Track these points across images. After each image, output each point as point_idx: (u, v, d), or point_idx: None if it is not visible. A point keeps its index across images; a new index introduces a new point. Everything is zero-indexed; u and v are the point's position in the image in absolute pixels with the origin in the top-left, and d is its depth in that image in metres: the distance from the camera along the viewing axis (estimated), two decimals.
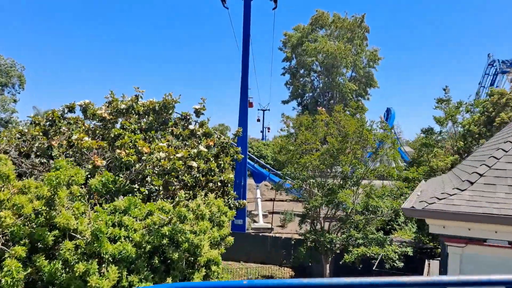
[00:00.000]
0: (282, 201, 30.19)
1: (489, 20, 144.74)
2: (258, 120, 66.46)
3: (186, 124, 10.28)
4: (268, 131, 72.61)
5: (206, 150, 8.52)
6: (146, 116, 9.78)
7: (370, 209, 12.23)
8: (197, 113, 10.77)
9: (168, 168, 7.79)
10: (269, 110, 63.15)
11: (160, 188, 9.23)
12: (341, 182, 13.33)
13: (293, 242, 18.06)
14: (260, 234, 19.75)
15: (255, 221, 24.48)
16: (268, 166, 27.62)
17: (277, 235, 23.18)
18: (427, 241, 14.10)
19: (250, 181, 28.57)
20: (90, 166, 7.82)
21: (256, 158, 34.25)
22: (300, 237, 16.47)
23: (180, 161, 7.87)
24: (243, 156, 12.31)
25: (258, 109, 66.65)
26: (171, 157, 7.89)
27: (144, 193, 8.77)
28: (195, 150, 8.54)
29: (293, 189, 15.36)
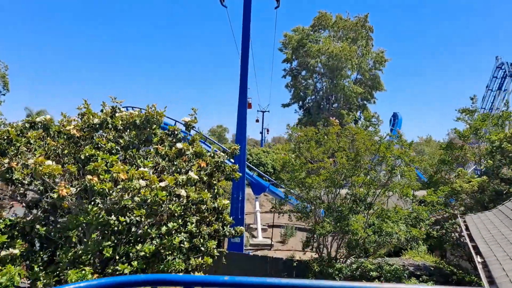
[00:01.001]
0: (283, 213, 28.98)
1: (497, 21, 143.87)
2: (257, 121, 65.97)
3: (174, 140, 9.07)
4: (267, 133, 72.89)
5: (196, 177, 7.30)
6: (128, 131, 8.55)
7: (383, 234, 11.02)
8: (188, 126, 9.59)
9: (149, 199, 6.57)
10: (268, 111, 62.52)
11: (143, 219, 7.94)
12: (352, 205, 12.10)
13: (295, 264, 16.83)
14: (260, 255, 18.51)
15: (254, 236, 23.25)
16: (268, 176, 26.33)
17: (277, 252, 21.94)
18: (448, 269, 12.88)
19: (248, 191, 27.34)
20: (54, 196, 6.58)
21: (255, 166, 33.02)
22: (302, 258, 15.28)
23: (164, 191, 6.65)
24: (241, 174, 11.12)
25: (258, 110, 66.08)
26: (153, 186, 6.66)
27: (124, 223, 7.53)
28: (184, 177, 7.32)
29: (298, 207, 14.12)
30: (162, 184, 6.66)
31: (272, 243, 22.09)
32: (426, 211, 11.99)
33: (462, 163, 14.85)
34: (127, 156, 8.30)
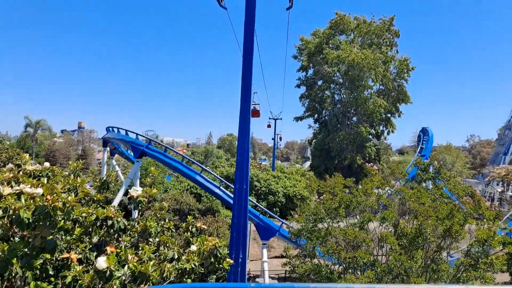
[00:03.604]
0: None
1: None
2: (269, 126, 63.13)
3: (109, 232, 5.46)
4: (280, 140, 71.14)
5: None
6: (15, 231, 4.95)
7: None
8: (137, 204, 5.98)
9: None
10: (281, 119, 59.41)
11: None
12: None
13: None
14: None
15: None
16: (278, 218, 22.21)
17: None
18: None
19: (253, 226, 23.43)
20: None
21: (264, 196, 29.17)
22: None
23: None
24: (232, 262, 7.45)
25: (270, 118, 63.16)
26: None
27: None
28: None
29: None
30: None
31: None
32: None
33: None
34: (6, 284, 4.67)
